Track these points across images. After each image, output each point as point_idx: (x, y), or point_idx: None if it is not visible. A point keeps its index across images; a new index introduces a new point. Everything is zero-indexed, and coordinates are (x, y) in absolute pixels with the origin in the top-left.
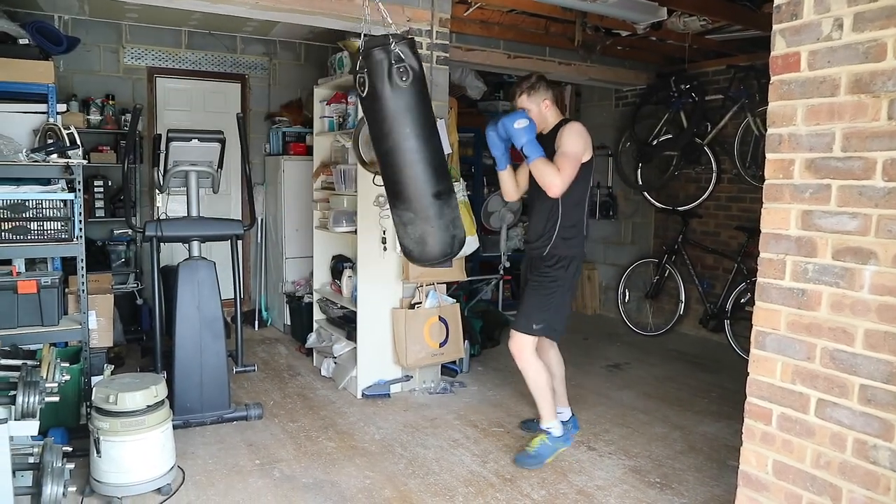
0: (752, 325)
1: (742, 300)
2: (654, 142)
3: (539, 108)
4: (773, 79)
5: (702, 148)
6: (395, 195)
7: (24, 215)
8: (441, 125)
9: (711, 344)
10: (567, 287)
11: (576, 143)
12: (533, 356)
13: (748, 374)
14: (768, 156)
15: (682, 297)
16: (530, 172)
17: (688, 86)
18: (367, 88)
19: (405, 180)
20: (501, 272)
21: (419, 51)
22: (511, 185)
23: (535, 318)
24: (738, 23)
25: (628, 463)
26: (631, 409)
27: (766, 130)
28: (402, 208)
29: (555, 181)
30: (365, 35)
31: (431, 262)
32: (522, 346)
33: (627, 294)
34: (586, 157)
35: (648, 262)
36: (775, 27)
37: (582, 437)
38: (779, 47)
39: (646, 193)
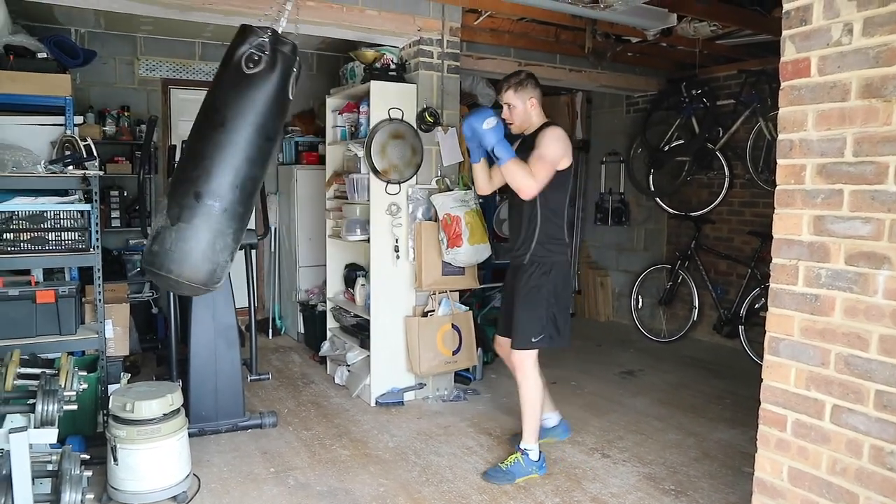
0: (766, 331)
1: (756, 305)
2: (666, 147)
3: (524, 106)
4: (783, 84)
5: (714, 153)
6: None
7: (42, 226)
8: (452, 133)
9: (725, 350)
10: (553, 291)
11: (555, 148)
12: (533, 370)
13: (762, 380)
14: (779, 161)
15: (696, 303)
16: None
17: (699, 91)
18: (222, 61)
19: (195, 164)
20: None
21: (431, 60)
22: (483, 179)
23: (530, 331)
24: (748, 28)
25: (643, 470)
26: (645, 416)
27: (777, 135)
28: (181, 205)
29: (527, 183)
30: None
31: (161, 272)
32: (523, 359)
33: (640, 300)
34: (564, 164)
35: (661, 269)
36: (785, 33)
37: (596, 444)
38: (788, 53)
39: (658, 199)
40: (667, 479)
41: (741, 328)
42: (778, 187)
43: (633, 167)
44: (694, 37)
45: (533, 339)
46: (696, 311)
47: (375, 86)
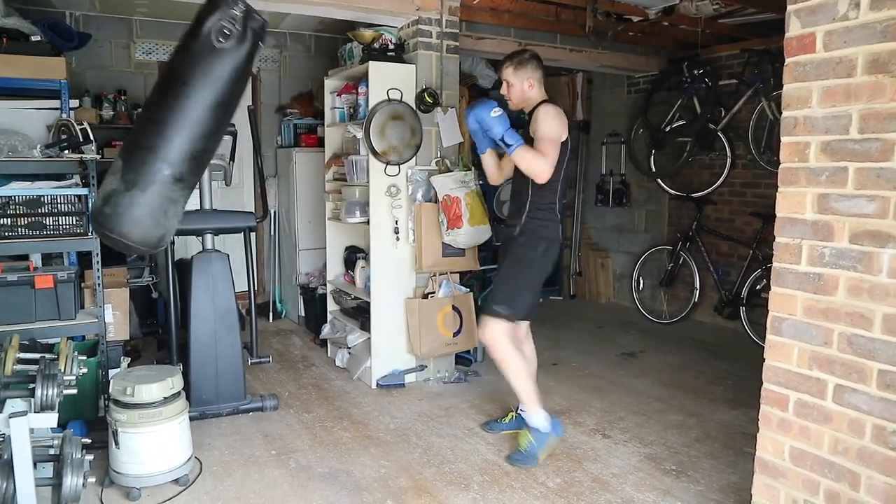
0: (768, 312)
1: (757, 287)
2: (668, 128)
3: (522, 86)
4: (787, 61)
5: (715, 134)
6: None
7: (39, 211)
8: (451, 114)
9: (727, 331)
10: (534, 268)
11: (552, 125)
12: (505, 342)
13: (764, 360)
14: (783, 139)
15: (697, 285)
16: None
17: (701, 71)
18: (188, 28)
19: (152, 130)
20: None
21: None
22: (493, 169)
23: (497, 298)
24: (751, 6)
25: (643, 451)
26: (646, 397)
27: (780, 114)
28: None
29: (539, 165)
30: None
31: (112, 234)
32: (494, 333)
33: (641, 282)
34: (561, 139)
35: (662, 250)
36: (790, 8)
37: (597, 425)
38: (793, 28)
39: (659, 180)
40: (668, 460)
41: (742, 309)
42: (781, 165)
43: (634, 148)
44: (696, 15)
45: (495, 307)
46: (698, 292)
47: (374, 66)
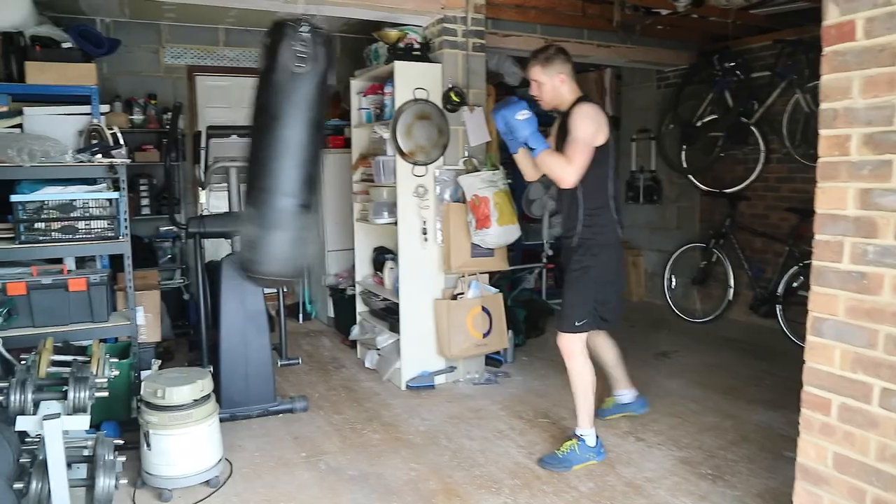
0: (806, 311)
1: (794, 284)
2: (699, 123)
3: (553, 83)
4: (825, 50)
5: (748, 127)
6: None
7: (71, 215)
8: (479, 113)
9: (763, 330)
10: (601, 274)
11: (585, 128)
12: (583, 356)
13: (803, 361)
14: (822, 132)
15: (731, 283)
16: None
17: (732, 64)
18: (262, 61)
19: (266, 170)
20: (544, 260)
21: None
22: (528, 166)
23: (575, 314)
24: None
25: (678, 454)
26: (680, 399)
27: (816, 107)
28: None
29: (564, 172)
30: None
31: (265, 276)
32: (571, 345)
33: (674, 280)
34: (600, 140)
35: (695, 248)
36: None
37: (630, 428)
38: (831, 16)
39: (691, 176)
40: (703, 464)
41: (779, 308)
42: (820, 159)
43: (665, 144)
44: (726, 7)
45: (576, 323)
46: (732, 290)
47: (399, 66)
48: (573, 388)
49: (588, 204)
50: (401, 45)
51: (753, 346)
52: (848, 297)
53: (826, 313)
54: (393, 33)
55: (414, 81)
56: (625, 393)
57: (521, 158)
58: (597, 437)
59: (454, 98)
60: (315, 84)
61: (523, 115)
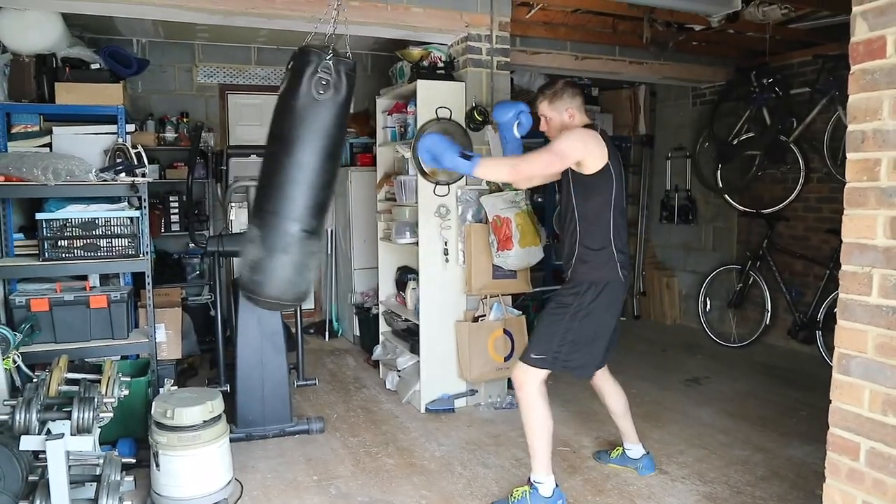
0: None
1: (836, 309)
2: (735, 141)
3: (562, 118)
4: (853, 68)
5: (787, 146)
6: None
7: (94, 233)
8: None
9: (801, 356)
10: (580, 315)
11: (567, 142)
12: (536, 394)
13: (830, 397)
14: (849, 156)
15: (769, 306)
16: (564, 172)
17: (770, 80)
18: (283, 84)
19: (276, 193)
20: None
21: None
22: (496, 173)
23: (535, 347)
24: (823, 8)
25: (703, 489)
26: (709, 429)
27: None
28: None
29: (502, 171)
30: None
31: (265, 299)
32: (522, 380)
33: (709, 303)
34: (592, 166)
35: (731, 269)
36: (855, 9)
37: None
38: (860, 32)
39: (727, 196)
40: (729, 501)
41: (818, 333)
42: (847, 184)
43: (701, 162)
44: (763, 21)
45: (533, 356)
46: (769, 314)
47: (422, 85)
48: (524, 427)
49: (587, 238)
50: (424, 63)
51: (790, 374)
52: (877, 334)
53: (854, 350)
54: (416, 52)
55: (437, 100)
56: (633, 447)
57: (481, 171)
58: (555, 486)
59: (477, 117)
60: (334, 112)
61: (439, 140)
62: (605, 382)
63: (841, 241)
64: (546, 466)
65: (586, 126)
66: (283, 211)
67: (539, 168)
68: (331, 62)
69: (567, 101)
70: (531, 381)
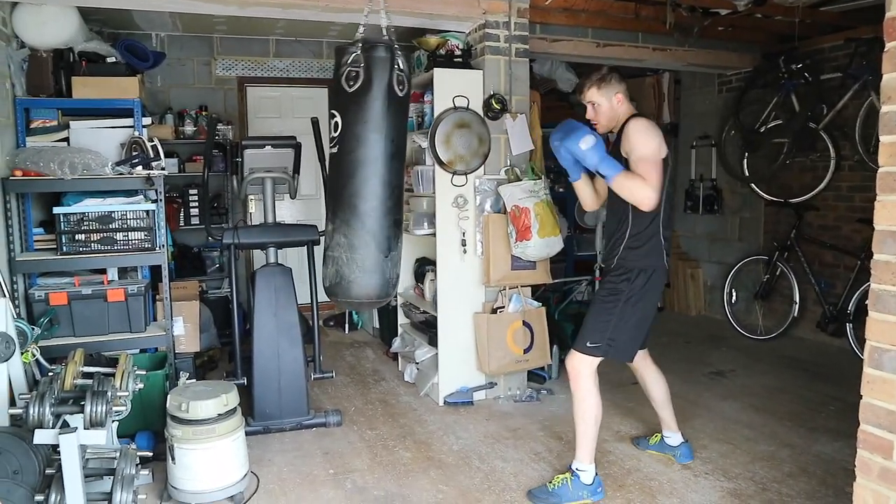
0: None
1: (867, 301)
2: (762, 129)
3: (611, 103)
4: (887, 46)
5: (817, 133)
6: (339, 209)
7: (110, 226)
8: (521, 120)
9: (831, 350)
10: (633, 301)
11: (648, 142)
12: (589, 381)
13: (861, 392)
14: (882, 139)
15: (797, 298)
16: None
17: (800, 65)
18: (359, 83)
19: (364, 194)
20: (597, 272)
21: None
22: (588, 195)
23: (590, 335)
24: None
25: (727, 485)
26: (734, 423)
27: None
28: (340, 227)
29: (644, 193)
30: (363, 26)
31: (353, 300)
32: (579, 368)
33: (735, 294)
34: (662, 154)
35: (758, 260)
36: None
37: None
38: (895, 8)
39: (753, 185)
40: (754, 497)
41: (849, 326)
42: (881, 169)
43: (726, 151)
44: (792, 4)
45: (588, 344)
46: (797, 306)
47: (438, 73)
48: (574, 414)
49: (637, 225)
50: (441, 51)
51: (819, 368)
52: None
53: (887, 343)
54: (433, 40)
55: (454, 89)
56: (672, 435)
57: (582, 186)
58: (596, 474)
59: (495, 105)
60: (378, 100)
61: (588, 142)
62: (647, 370)
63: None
64: (590, 455)
65: (636, 115)
66: (358, 213)
67: (658, 177)
68: (356, 52)
69: (615, 86)
70: (586, 369)
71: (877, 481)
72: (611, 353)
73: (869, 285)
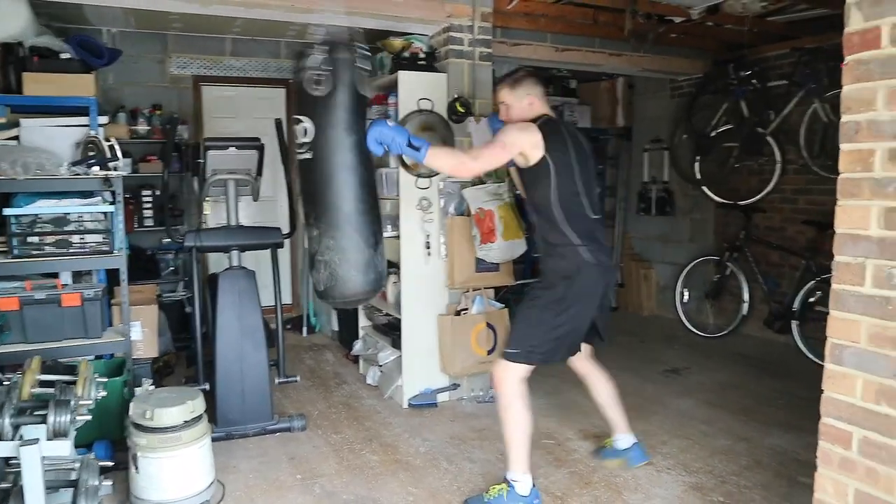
0: (823, 327)
1: (811, 299)
2: (713, 133)
3: (521, 105)
4: (847, 59)
5: (764, 138)
6: (322, 213)
7: (65, 228)
8: (485, 123)
9: (778, 346)
10: (551, 307)
11: (508, 132)
12: (513, 389)
13: (821, 380)
14: (843, 146)
15: (746, 297)
16: (518, 173)
17: (748, 72)
18: (328, 87)
19: (346, 195)
20: None
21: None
22: (444, 163)
23: (511, 342)
24: (803, 1)
25: (688, 479)
26: (690, 419)
27: (836, 117)
28: (327, 231)
29: (456, 160)
30: (318, 26)
31: (350, 298)
32: (502, 375)
33: (686, 294)
34: (533, 156)
35: (708, 260)
36: (849, 0)
37: None
38: (854, 22)
39: (704, 188)
40: (715, 490)
41: (794, 323)
42: (841, 175)
43: (678, 154)
44: (743, 14)
45: (508, 350)
46: (746, 304)
47: (403, 76)
48: (501, 423)
49: (541, 231)
50: (405, 54)
51: (768, 364)
52: (871, 324)
53: (847, 340)
54: (397, 42)
55: (418, 91)
56: (621, 438)
57: (431, 160)
58: (533, 485)
59: (459, 108)
60: (345, 104)
61: (388, 126)
62: (591, 373)
63: (817, 232)
64: (523, 465)
65: (547, 118)
66: (335, 216)
67: (488, 161)
68: (319, 55)
69: (528, 89)
70: (509, 377)
71: (837, 471)
72: (533, 359)
73: (812, 284)
